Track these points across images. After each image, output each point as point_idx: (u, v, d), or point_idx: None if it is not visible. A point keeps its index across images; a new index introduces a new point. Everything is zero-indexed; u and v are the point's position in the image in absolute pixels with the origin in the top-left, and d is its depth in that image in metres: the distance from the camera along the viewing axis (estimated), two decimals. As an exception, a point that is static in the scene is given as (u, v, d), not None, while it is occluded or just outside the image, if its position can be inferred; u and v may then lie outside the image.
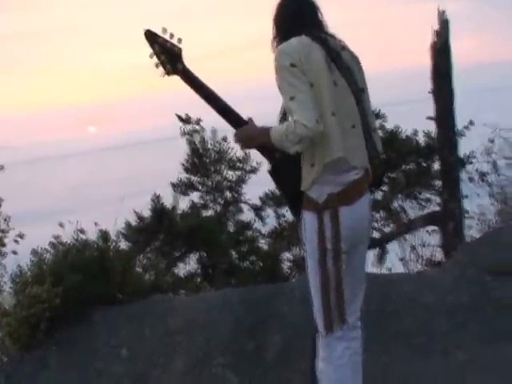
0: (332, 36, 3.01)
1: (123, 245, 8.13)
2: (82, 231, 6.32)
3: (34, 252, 6.67)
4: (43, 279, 5.23)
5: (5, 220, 13.90)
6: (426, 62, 9.56)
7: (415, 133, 12.61)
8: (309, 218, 2.91)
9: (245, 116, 3.03)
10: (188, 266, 10.49)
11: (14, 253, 9.68)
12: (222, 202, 17.95)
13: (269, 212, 15.97)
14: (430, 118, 10.00)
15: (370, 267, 9.41)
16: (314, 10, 3.02)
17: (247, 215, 16.59)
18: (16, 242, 11.25)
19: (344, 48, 3.09)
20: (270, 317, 5.20)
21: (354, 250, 2.98)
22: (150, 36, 2.89)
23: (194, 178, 18.53)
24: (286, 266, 11.14)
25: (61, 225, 6.54)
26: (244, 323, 5.18)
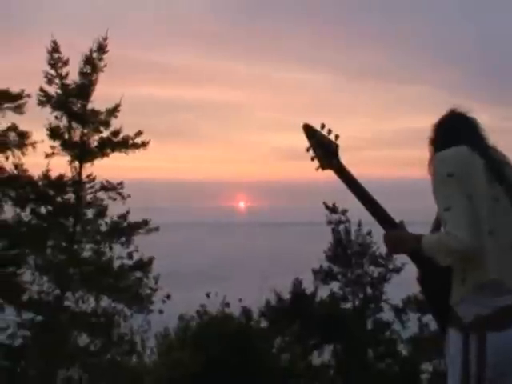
0: (494, 149, 2.88)
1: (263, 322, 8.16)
2: (227, 305, 6.46)
3: (181, 318, 6.89)
4: (186, 345, 5.34)
5: (154, 279, 14.60)
6: None
7: None
8: (454, 337, 2.71)
9: (397, 219, 2.95)
10: (323, 356, 10.27)
11: (161, 312, 10.03)
12: (362, 297, 17.66)
13: (410, 316, 15.48)
14: None
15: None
16: (473, 125, 2.92)
17: (386, 315, 16.17)
18: (164, 302, 11.70)
19: (508, 163, 2.90)
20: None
21: (503, 379, 2.75)
22: (308, 130, 2.93)
23: (335, 268, 18.49)
24: (424, 377, 10.58)
25: (207, 295, 6.70)
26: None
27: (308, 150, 3.05)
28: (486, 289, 2.64)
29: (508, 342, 2.67)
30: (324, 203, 16.53)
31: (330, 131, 3.01)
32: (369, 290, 16.66)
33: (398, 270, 16.29)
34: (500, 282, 2.64)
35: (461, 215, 2.57)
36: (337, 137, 3.01)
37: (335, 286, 16.37)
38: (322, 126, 3.01)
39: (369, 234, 16.38)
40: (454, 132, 2.95)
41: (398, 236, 2.92)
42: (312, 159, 3.06)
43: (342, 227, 16.74)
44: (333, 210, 16.55)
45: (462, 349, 2.70)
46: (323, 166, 3.05)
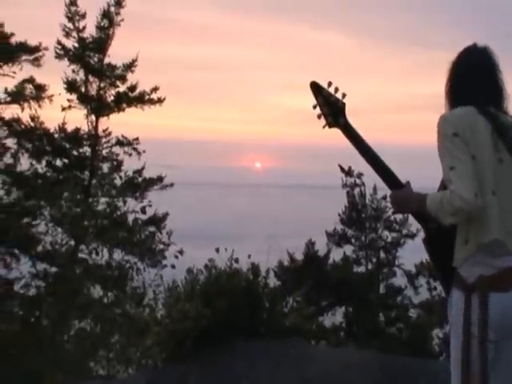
0: (504, 112, 2.84)
1: (271, 281, 8.17)
2: (236, 260, 6.45)
3: (189, 271, 6.89)
4: (194, 298, 5.35)
5: (167, 234, 14.80)
6: None
7: None
8: (456, 297, 2.72)
9: (403, 179, 2.96)
10: (334, 317, 10.32)
11: (173, 267, 10.12)
12: (375, 261, 17.72)
13: (422, 281, 15.50)
14: None
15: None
16: (492, 77, 2.86)
17: (399, 280, 16.20)
18: (176, 257, 11.84)
19: None
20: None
21: (505, 343, 2.72)
22: (316, 88, 2.97)
23: (349, 231, 18.58)
24: (435, 342, 10.57)
25: (217, 250, 6.70)
26: (381, 390, 4.92)
27: (315, 107, 3.05)
28: (489, 249, 2.63)
29: (511, 303, 2.65)
30: (339, 166, 16.44)
31: (336, 89, 2.99)
32: (382, 255, 16.61)
33: (412, 236, 16.21)
34: (503, 243, 2.63)
35: (465, 174, 2.57)
36: (344, 95, 3.00)
37: (348, 249, 16.35)
38: (329, 84, 3.00)
39: (384, 198, 16.25)
40: (468, 86, 2.89)
41: (403, 196, 2.92)
42: (319, 117, 3.07)
43: (356, 191, 16.67)
44: (348, 173, 16.49)
45: (464, 309, 2.68)
46: (330, 124, 3.06)
